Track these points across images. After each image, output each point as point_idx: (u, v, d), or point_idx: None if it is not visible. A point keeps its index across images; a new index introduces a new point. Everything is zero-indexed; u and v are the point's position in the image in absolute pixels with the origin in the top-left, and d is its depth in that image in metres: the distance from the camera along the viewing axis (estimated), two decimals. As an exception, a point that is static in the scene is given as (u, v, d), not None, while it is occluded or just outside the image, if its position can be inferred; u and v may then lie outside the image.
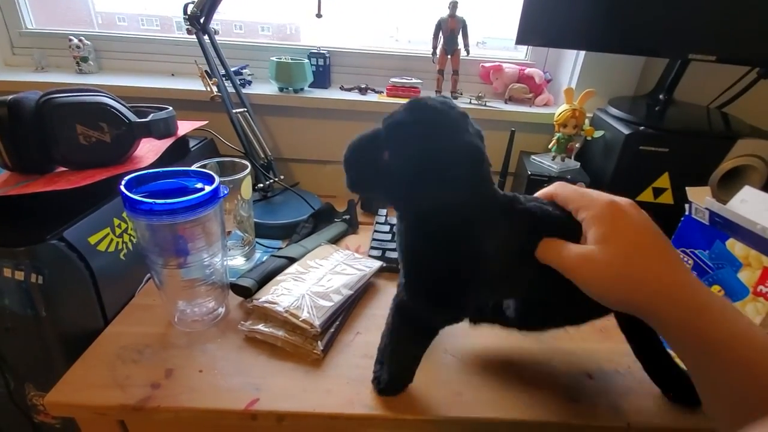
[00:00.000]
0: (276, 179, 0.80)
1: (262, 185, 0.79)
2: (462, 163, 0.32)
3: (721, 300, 0.30)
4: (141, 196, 0.42)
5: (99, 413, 0.43)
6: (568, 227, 0.35)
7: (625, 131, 0.69)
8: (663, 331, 0.31)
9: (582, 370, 0.49)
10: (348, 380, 0.46)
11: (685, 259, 0.50)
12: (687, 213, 0.50)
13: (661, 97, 0.80)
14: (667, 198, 0.72)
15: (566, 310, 0.41)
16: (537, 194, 0.41)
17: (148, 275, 0.59)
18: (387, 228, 0.72)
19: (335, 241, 0.70)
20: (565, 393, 0.46)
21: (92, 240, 0.50)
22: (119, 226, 0.54)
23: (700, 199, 0.49)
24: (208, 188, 0.45)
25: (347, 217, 0.77)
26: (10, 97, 0.50)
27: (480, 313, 0.46)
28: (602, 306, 0.33)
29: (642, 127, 0.69)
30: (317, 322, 0.48)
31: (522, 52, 0.98)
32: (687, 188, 0.51)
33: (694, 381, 0.31)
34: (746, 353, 0.27)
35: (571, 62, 0.87)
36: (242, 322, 0.51)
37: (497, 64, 0.91)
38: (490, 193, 0.35)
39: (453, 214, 0.34)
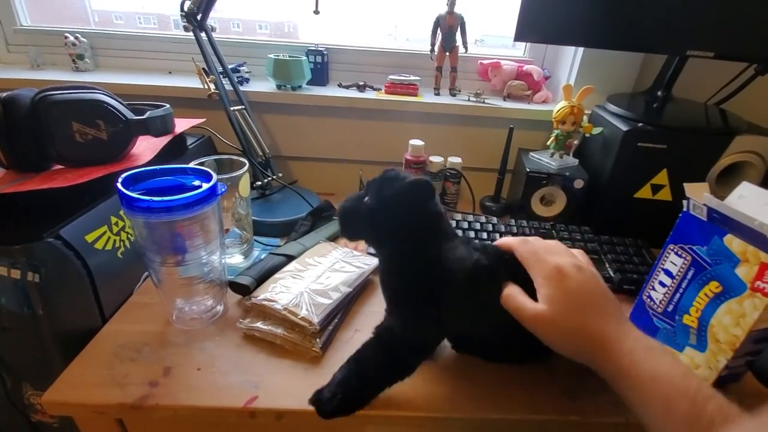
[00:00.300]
0: (274, 177, 0.79)
1: (260, 183, 0.78)
2: (414, 199, 0.44)
3: (647, 342, 0.36)
4: (138, 194, 0.42)
5: (97, 412, 0.43)
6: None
7: (624, 128, 0.69)
8: (603, 376, 0.36)
9: (581, 367, 0.49)
10: (347, 378, 0.46)
11: (683, 255, 0.50)
12: (685, 209, 0.50)
13: (659, 93, 0.80)
14: (665, 195, 0.72)
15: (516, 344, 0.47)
16: (498, 242, 0.47)
17: (146, 273, 0.59)
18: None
19: (334, 238, 0.70)
20: (565, 390, 0.46)
21: (89, 238, 0.50)
22: (116, 224, 0.54)
23: (698, 195, 0.49)
24: (205, 185, 0.45)
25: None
26: (5, 94, 0.49)
27: (463, 344, 0.50)
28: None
29: (640, 124, 0.69)
30: (316, 320, 0.48)
31: (520, 50, 0.98)
32: (685, 184, 0.51)
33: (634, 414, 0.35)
34: (665, 390, 0.32)
35: (569, 59, 0.87)
36: (240, 320, 0.51)
37: (495, 61, 0.91)
38: (445, 227, 0.46)
39: (415, 241, 0.44)
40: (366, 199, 0.46)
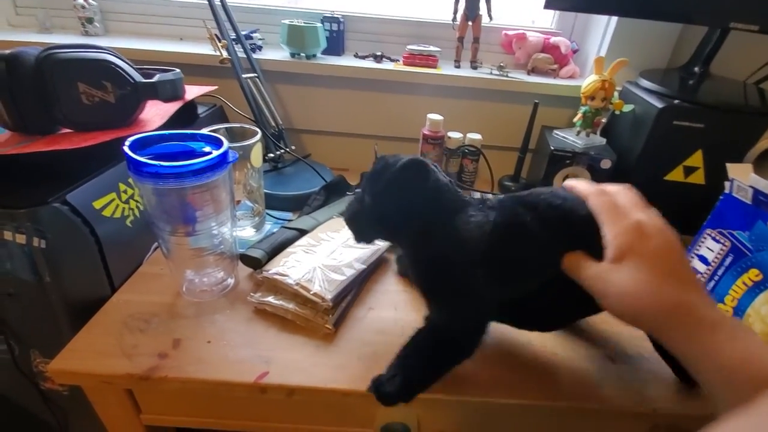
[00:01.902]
0: (287, 149, 0.77)
1: (272, 155, 0.76)
2: (410, 182, 0.40)
3: (732, 320, 0.31)
4: (146, 159, 0.40)
5: (105, 382, 0.42)
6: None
7: (659, 105, 0.64)
8: (675, 350, 0.32)
9: (604, 353, 0.47)
10: (360, 356, 0.45)
11: (721, 240, 0.47)
12: (727, 191, 0.47)
13: (696, 69, 0.75)
14: (698, 178, 0.69)
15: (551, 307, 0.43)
16: (569, 184, 0.41)
17: (156, 243, 0.57)
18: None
19: (347, 214, 0.68)
20: (588, 377, 0.44)
21: (97, 205, 0.48)
22: (125, 191, 0.52)
23: (744, 176, 0.45)
24: (216, 152, 0.43)
25: (360, 190, 0.74)
26: (8, 51, 0.47)
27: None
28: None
29: (676, 101, 0.65)
30: (329, 296, 0.46)
31: (548, 20, 0.92)
32: (728, 165, 0.48)
33: (708, 395, 0.31)
34: (755, 374, 0.28)
35: (600, 31, 0.82)
36: (252, 294, 0.49)
37: (521, 32, 0.86)
38: (453, 198, 0.42)
39: (430, 226, 0.41)
40: (365, 198, 0.43)
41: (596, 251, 0.35)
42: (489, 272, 0.39)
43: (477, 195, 0.59)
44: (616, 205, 0.36)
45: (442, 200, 0.41)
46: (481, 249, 0.38)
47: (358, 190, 0.45)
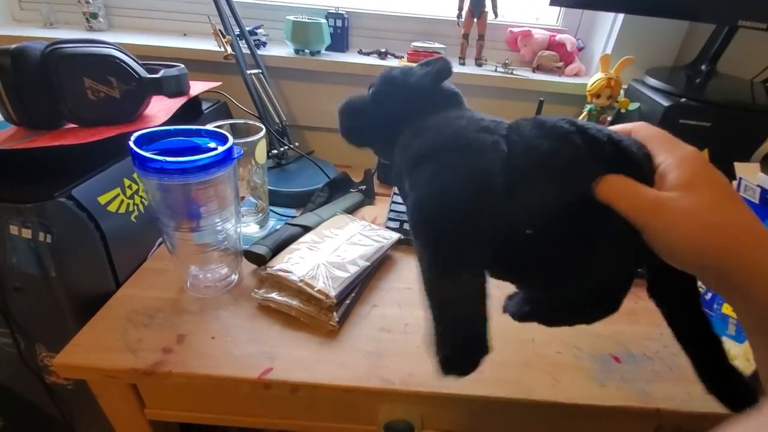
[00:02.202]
0: (291, 146, 0.77)
1: (276, 152, 0.76)
2: (419, 74, 0.34)
3: None
4: (151, 154, 0.40)
5: (109, 376, 0.42)
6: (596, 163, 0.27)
7: (665, 103, 0.64)
8: (735, 286, 0.26)
9: (609, 352, 0.47)
10: (364, 353, 0.45)
11: (728, 240, 0.47)
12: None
13: (702, 67, 0.74)
14: (704, 177, 0.68)
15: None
16: (614, 127, 0.32)
17: (161, 239, 0.57)
18: (405, 200, 0.70)
19: (351, 211, 0.68)
20: (592, 375, 0.44)
21: (102, 200, 0.48)
22: (130, 187, 0.52)
23: (751, 175, 0.45)
24: (221, 148, 0.43)
25: (363, 187, 0.74)
26: (14, 45, 0.47)
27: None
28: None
29: (683, 99, 0.64)
30: (333, 293, 0.46)
31: (553, 17, 0.92)
32: (735, 164, 0.47)
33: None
34: None
35: (606, 28, 0.81)
36: (256, 290, 0.49)
37: (526, 29, 0.85)
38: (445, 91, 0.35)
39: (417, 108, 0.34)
40: (369, 90, 0.38)
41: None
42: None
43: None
44: (670, 135, 0.32)
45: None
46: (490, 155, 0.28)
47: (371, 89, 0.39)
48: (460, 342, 0.28)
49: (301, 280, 0.47)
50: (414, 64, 0.37)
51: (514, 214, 0.27)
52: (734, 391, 0.30)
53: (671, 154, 0.29)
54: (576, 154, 0.27)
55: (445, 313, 0.28)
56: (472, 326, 0.28)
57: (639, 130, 0.32)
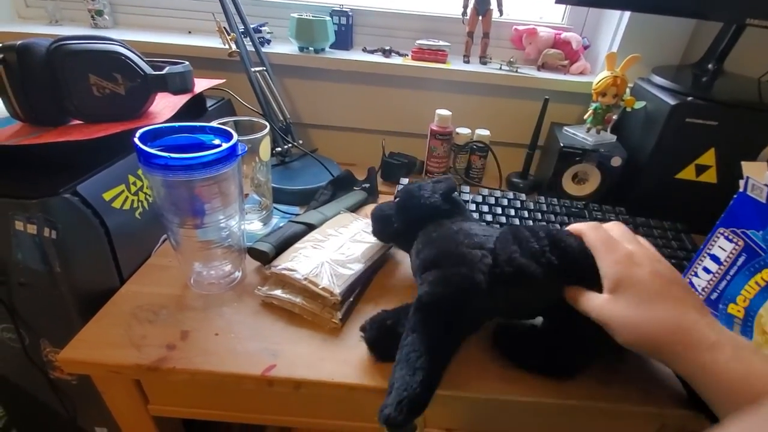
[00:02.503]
0: (295, 144, 0.77)
1: (280, 149, 0.76)
2: (431, 190, 0.48)
3: (734, 338, 0.32)
4: (156, 150, 0.40)
5: (113, 372, 0.42)
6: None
7: (672, 101, 0.63)
8: (680, 372, 0.34)
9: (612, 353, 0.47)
10: (366, 351, 0.44)
11: (734, 240, 0.46)
12: (741, 190, 0.46)
13: (709, 66, 0.73)
14: (710, 177, 0.68)
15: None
16: (570, 227, 0.43)
17: (165, 236, 0.58)
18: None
19: (354, 209, 0.67)
20: (595, 376, 0.44)
21: (107, 196, 0.48)
22: (134, 183, 0.52)
23: (759, 174, 0.44)
24: (225, 145, 0.43)
25: (367, 185, 0.74)
26: (19, 42, 0.47)
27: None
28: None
29: (690, 98, 0.64)
30: (337, 291, 0.46)
31: (558, 15, 0.91)
32: (743, 163, 0.47)
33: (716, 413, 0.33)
34: (761, 391, 0.29)
35: (612, 27, 0.81)
36: (259, 287, 0.49)
37: (531, 27, 0.85)
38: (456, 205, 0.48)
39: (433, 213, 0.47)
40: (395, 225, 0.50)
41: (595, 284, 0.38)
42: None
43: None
44: (610, 238, 0.39)
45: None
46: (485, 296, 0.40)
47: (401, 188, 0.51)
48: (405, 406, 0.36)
49: (306, 278, 0.47)
50: (428, 181, 0.50)
51: (494, 304, 0.42)
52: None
53: (604, 262, 0.37)
54: (538, 271, 0.39)
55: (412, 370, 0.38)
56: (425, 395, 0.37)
57: (587, 234, 0.40)
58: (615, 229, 0.41)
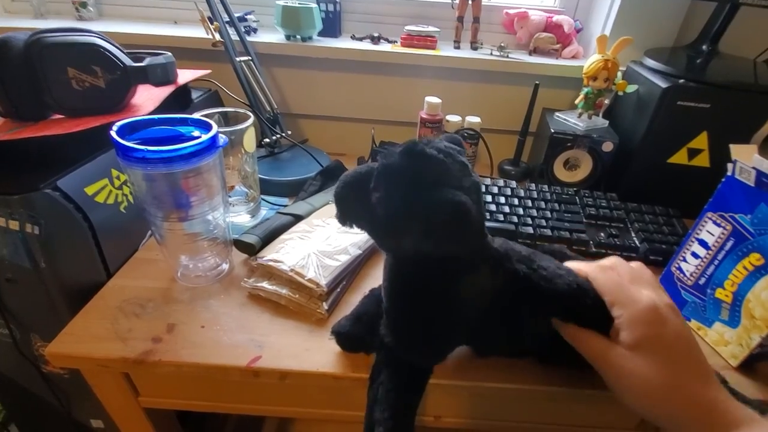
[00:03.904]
0: (283, 134, 0.76)
1: (268, 140, 0.75)
2: (441, 220, 0.30)
3: (750, 416, 0.30)
4: (134, 143, 0.39)
5: (100, 365, 0.42)
6: (576, 311, 0.35)
7: (663, 84, 0.62)
8: None
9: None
10: (352, 340, 0.45)
11: (722, 224, 0.46)
12: (729, 173, 0.46)
13: (704, 47, 0.72)
14: (702, 160, 0.67)
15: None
16: (571, 265, 0.38)
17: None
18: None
19: (344, 199, 0.67)
20: (583, 360, 0.44)
21: (89, 191, 0.48)
22: (118, 177, 0.52)
23: (747, 157, 0.44)
24: (205, 136, 0.42)
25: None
26: (-2, 36, 0.46)
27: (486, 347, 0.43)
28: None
29: (681, 81, 0.63)
30: (323, 282, 0.46)
31: (550, -1, 0.89)
32: (731, 146, 0.46)
33: None
34: None
35: (605, 8, 0.79)
36: (245, 279, 0.49)
37: (523, 11, 0.83)
38: (476, 247, 0.35)
39: (430, 263, 0.34)
40: (374, 195, 0.32)
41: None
42: (470, 334, 0.39)
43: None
44: (624, 283, 0.35)
45: (460, 250, 0.33)
46: (468, 318, 0.36)
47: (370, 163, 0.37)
48: None
49: (292, 270, 0.47)
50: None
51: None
52: None
53: (624, 310, 0.33)
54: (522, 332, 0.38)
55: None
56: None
57: (595, 278, 0.36)
58: (621, 267, 0.37)
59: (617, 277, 0.36)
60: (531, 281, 0.35)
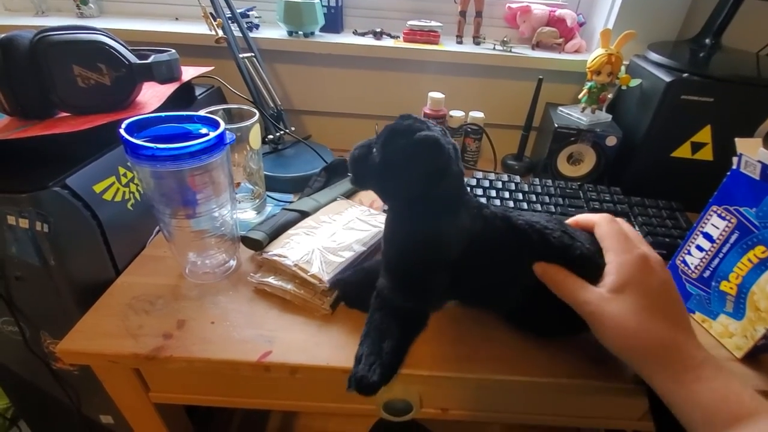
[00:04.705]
0: (287, 131, 0.76)
1: (272, 137, 0.75)
2: (420, 160, 0.38)
3: (714, 360, 0.32)
4: (143, 141, 0.40)
5: (112, 361, 0.43)
6: (567, 257, 0.39)
7: (667, 78, 0.62)
8: (656, 387, 0.33)
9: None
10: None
11: (727, 217, 0.46)
12: (734, 167, 0.46)
13: (707, 41, 0.72)
14: (705, 154, 0.67)
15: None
16: (577, 217, 0.43)
17: (158, 227, 0.58)
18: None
19: (348, 195, 0.67)
20: (589, 353, 0.44)
21: (97, 189, 0.48)
22: (125, 175, 0.52)
23: (752, 151, 0.44)
24: (213, 134, 0.42)
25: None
26: (3, 35, 0.46)
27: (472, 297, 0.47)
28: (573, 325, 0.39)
29: (685, 74, 0.63)
30: (326, 278, 0.47)
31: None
32: (737, 140, 0.46)
33: None
34: (737, 413, 0.29)
35: (608, 2, 0.79)
36: (252, 274, 0.50)
37: (525, 5, 0.83)
38: (455, 189, 0.41)
39: (418, 205, 0.40)
40: (374, 150, 0.40)
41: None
42: (455, 275, 0.41)
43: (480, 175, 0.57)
44: (625, 234, 0.37)
45: (441, 191, 0.40)
46: (453, 257, 0.40)
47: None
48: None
49: (296, 265, 0.47)
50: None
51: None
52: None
53: (617, 257, 0.36)
54: (505, 277, 0.42)
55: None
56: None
57: (600, 225, 0.39)
58: (626, 225, 0.40)
59: (620, 229, 0.38)
60: (517, 229, 0.40)
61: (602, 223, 0.39)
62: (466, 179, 0.69)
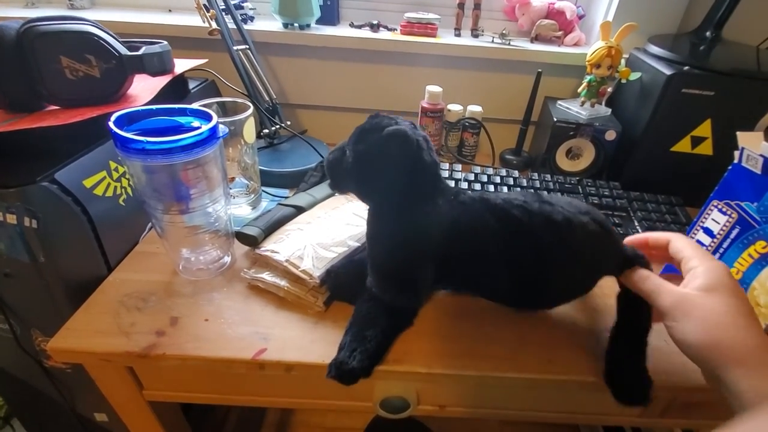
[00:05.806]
0: (282, 125, 0.75)
1: (267, 131, 0.74)
2: (390, 154, 0.38)
3: None
4: (133, 134, 0.38)
5: (104, 360, 0.42)
6: (551, 223, 0.39)
7: (667, 71, 0.62)
8: (737, 384, 0.31)
9: (606, 328, 0.47)
10: (358, 332, 0.44)
11: (728, 212, 0.46)
12: (736, 161, 0.45)
13: (707, 34, 0.71)
14: (706, 148, 0.66)
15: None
16: (646, 234, 0.43)
17: (151, 222, 0.57)
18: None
19: (345, 190, 0.66)
20: (588, 351, 0.44)
21: (88, 183, 0.47)
22: (116, 169, 0.51)
23: (754, 145, 0.43)
24: (205, 127, 0.41)
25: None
26: (-12, 25, 0.45)
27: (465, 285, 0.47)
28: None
29: (686, 68, 0.62)
30: (317, 274, 0.46)
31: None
32: (738, 133, 0.46)
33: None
34: None
35: (608, -6, 0.78)
36: (245, 270, 0.49)
37: (524, -3, 0.82)
38: (429, 183, 0.41)
39: (395, 196, 0.40)
40: (347, 152, 0.41)
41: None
42: (437, 265, 0.42)
43: (477, 169, 0.57)
44: (701, 248, 0.39)
45: (416, 183, 0.40)
46: (437, 248, 0.41)
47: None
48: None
49: (287, 261, 0.47)
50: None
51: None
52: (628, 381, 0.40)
53: (702, 263, 0.36)
54: (487, 263, 0.42)
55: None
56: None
57: (676, 239, 0.40)
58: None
59: (694, 241, 0.40)
60: (497, 207, 0.41)
61: (677, 238, 0.40)
62: (463, 174, 0.68)
